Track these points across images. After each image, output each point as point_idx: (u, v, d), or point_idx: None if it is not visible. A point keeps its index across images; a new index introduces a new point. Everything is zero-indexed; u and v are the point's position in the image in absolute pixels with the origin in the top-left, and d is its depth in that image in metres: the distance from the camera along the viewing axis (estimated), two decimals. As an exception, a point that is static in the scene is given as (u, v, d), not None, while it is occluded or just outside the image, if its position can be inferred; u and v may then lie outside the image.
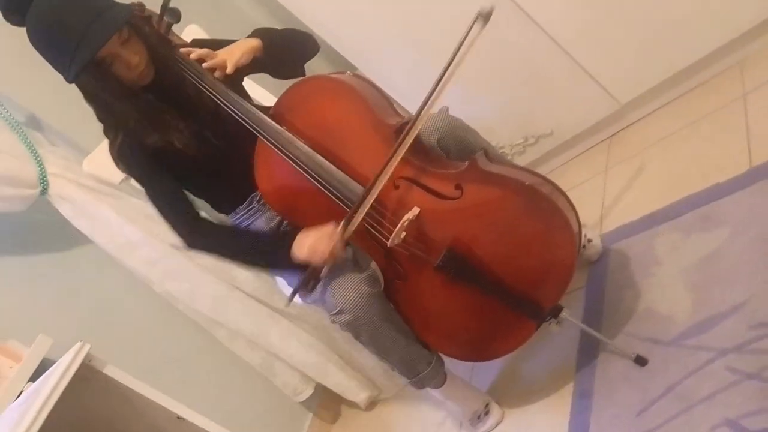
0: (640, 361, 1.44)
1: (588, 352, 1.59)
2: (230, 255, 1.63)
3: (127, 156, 1.59)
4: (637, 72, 1.96)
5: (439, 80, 1.35)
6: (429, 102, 1.36)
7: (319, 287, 1.50)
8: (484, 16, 1.31)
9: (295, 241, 1.49)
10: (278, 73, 1.72)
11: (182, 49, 1.55)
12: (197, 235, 1.59)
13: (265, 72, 1.72)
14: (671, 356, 1.39)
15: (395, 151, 1.39)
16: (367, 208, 1.42)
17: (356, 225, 1.43)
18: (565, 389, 1.58)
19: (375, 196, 1.42)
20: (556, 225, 1.40)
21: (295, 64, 1.70)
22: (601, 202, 1.95)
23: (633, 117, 2.09)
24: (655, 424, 1.31)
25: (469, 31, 1.31)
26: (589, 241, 1.75)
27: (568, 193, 1.49)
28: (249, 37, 1.64)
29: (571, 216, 1.43)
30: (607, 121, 2.10)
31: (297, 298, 1.58)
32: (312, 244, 1.45)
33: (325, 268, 1.46)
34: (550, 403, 1.60)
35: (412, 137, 1.39)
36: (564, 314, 1.42)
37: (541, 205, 1.41)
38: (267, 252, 1.56)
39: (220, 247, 1.61)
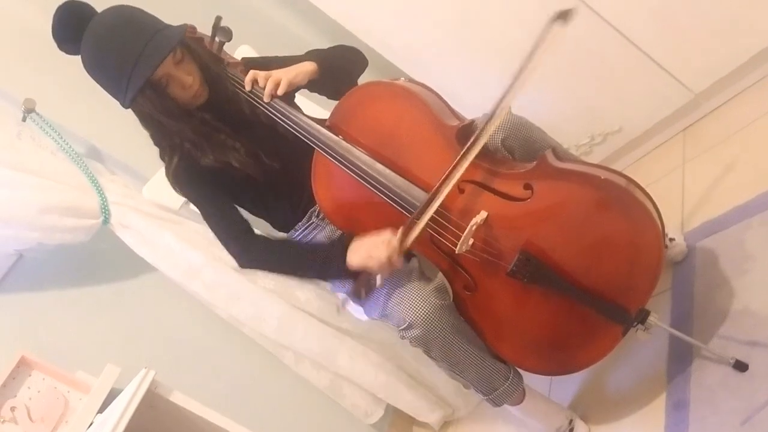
0: (740, 366, 1.33)
1: (680, 359, 1.48)
2: (284, 268, 1.59)
3: (182, 178, 1.59)
4: (711, 58, 1.86)
5: (511, 85, 1.23)
6: (498, 107, 1.28)
7: (374, 295, 1.44)
8: (564, 16, 1.16)
9: (351, 247, 1.45)
10: (331, 93, 1.69)
11: (247, 76, 1.52)
12: (250, 252, 1.56)
13: (318, 93, 1.70)
14: (774, 358, 1.28)
15: (460, 159, 1.32)
16: (430, 215, 1.35)
17: (417, 233, 1.36)
18: (657, 401, 1.47)
19: (438, 204, 1.34)
20: (639, 219, 1.31)
21: (348, 83, 1.66)
22: (681, 198, 1.84)
23: (709, 106, 1.98)
24: (762, 433, 1.20)
25: (545, 33, 1.17)
26: (672, 240, 1.65)
27: (643, 191, 1.40)
28: (303, 60, 1.62)
29: (653, 211, 1.34)
30: (680, 112, 2.00)
31: (363, 314, 1.53)
32: (368, 249, 1.41)
33: (380, 277, 1.40)
34: (641, 417, 1.50)
35: (479, 146, 1.31)
36: (652, 319, 1.32)
37: (620, 200, 1.32)
38: (321, 260, 1.51)
39: (273, 260, 1.58)
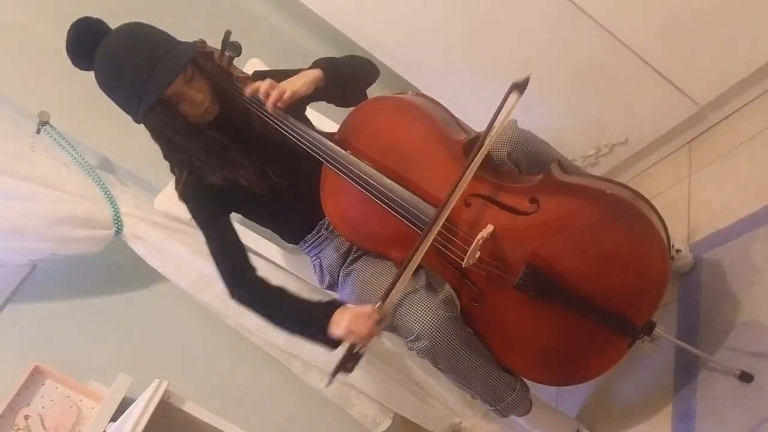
0: (746, 377, 1.33)
1: (687, 370, 1.48)
2: (268, 316, 1.54)
3: (189, 196, 1.59)
4: (716, 71, 1.86)
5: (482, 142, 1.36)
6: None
7: (362, 362, 1.42)
8: (520, 87, 1.33)
9: (333, 318, 1.42)
10: (341, 101, 1.69)
11: (248, 88, 1.53)
12: (243, 289, 1.53)
13: (327, 101, 1.70)
14: (780, 370, 1.28)
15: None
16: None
17: (394, 301, 1.38)
18: (663, 412, 1.48)
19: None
20: (644, 233, 1.32)
21: (357, 91, 1.66)
22: (687, 210, 1.84)
23: (715, 118, 1.98)
24: (768, 445, 1.21)
25: (504, 101, 1.33)
26: (678, 251, 1.65)
27: (649, 203, 1.41)
28: (310, 68, 1.62)
29: (658, 224, 1.35)
30: (686, 124, 2.01)
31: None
32: (348, 324, 1.38)
33: (364, 347, 1.38)
34: (647, 428, 1.50)
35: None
36: (658, 330, 1.33)
37: (625, 213, 1.33)
38: (305, 322, 1.49)
39: (261, 305, 1.53)
